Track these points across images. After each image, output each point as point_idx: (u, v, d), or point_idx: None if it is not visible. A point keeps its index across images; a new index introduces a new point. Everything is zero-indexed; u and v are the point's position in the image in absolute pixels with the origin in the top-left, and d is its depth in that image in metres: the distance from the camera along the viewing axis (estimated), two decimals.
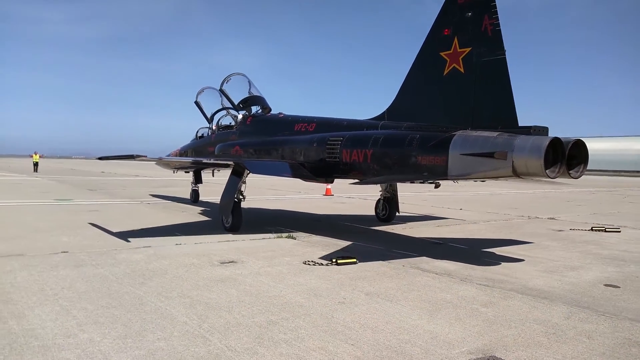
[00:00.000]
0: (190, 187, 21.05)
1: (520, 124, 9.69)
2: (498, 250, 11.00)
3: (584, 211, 21.34)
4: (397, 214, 16.07)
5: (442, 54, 10.90)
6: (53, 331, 5.21)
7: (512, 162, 9.08)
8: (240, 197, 13.36)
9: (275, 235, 12.32)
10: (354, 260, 9.18)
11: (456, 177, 10.29)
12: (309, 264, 8.92)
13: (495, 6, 10.01)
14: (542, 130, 9.72)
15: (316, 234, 12.76)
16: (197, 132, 19.28)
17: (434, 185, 14.06)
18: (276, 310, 6.18)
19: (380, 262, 9.39)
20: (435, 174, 10.44)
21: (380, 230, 13.87)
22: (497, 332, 5.61)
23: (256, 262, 9.02)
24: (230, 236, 11.99)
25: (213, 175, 15.92)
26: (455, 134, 10.10)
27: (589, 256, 10.56)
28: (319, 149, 13.11)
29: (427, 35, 11.38)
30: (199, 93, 18.55)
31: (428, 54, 11.34)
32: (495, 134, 9.66)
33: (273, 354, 4.80)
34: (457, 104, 10.60)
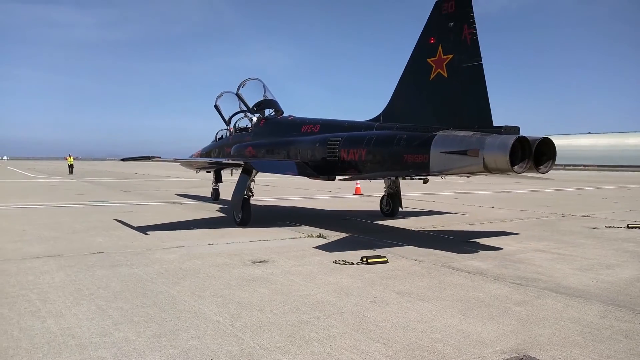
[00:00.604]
0: (212, 186, 22.20)
1: (511, 125, 10.53)
2: (531, 249, 10.79)
3: (619, 208, 20.74)
4: (400, 209, 16.97)
5: (428, 60, 11.80)
6: (90, 330, 5.36)
7: (483, 158, 9.95)
8: (250, 194, 14.57)
9: (305, 234, 12.37)
10: (385, 259, 9.15)
11: (437, 173, 11.28)
12: (339, 263, 8.93)
13: (473, 17, 10.90)
14: (513, 130, 10.48)
15: (347, 233, 12.76)
16: (217, 134, 20.49)
17: (422, 181, 15.76)
18: (307, 309, 6.20)
19: (412, 261, 9.33)
20: (419, 170, 11.38)
21: (411, 230, 13.76)
22: (531, 331, 5.50)
23: (287, 262, 9.08)
24: (261, 236, 12.09)
25: (232, 175, 16.73)
26: (436, 134, 11.06)
27: (625, 254, 10.26)
28: (321, 148, 14.10)
29: (416, 43, 12.24)
30: (218, 97, 19.65)
31: (417, 60, 12.24)
32: (470, 133, 10.55)
33: (305, 353, 4.82)
34: (441, 106, 11.51)
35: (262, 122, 18.01)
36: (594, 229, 13.94)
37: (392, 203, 16.90)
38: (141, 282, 7.43)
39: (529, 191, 32.48)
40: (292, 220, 15.41)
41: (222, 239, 11.64)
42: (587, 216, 17.27)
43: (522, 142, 9.95)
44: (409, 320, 5.85)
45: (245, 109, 18.53)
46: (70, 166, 57.18)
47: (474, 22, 10.90)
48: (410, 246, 10.93)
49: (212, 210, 17.92)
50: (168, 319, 5.74)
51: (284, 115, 18.07)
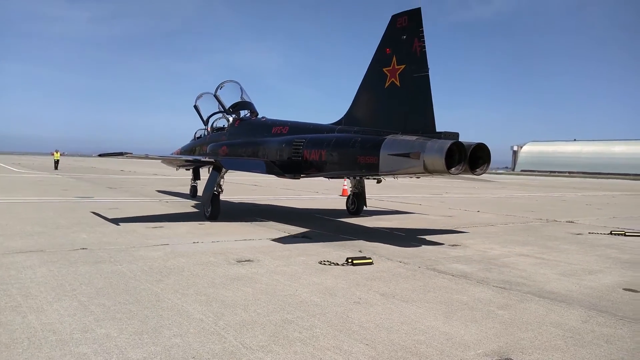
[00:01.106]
0: (190, 183, 23.00)
1: (452, 130, 11.49)
2: (515, 253, 10.89)
3: (604, 215, 21.03)
4: (364, 207, 18.12)
5: (384, 69, 12.72)
6: (71, 326, 5.29)
7: (423, 161, 10.93)
8: (219, 190, 15.62)
9: (291, 234, 12.35)
10: (370, 260, 9.17)
11: (386, 174, 12.41)
12: (324, 264, 8.93)
13: (422, 31, 11.82)
14: (453, 135, 11.36)
15: (332, 233, 12.78)
16: (196, 133, 21.27)
17: (376, 181, 17.21)
18: (291, 309, 6.19)
19: (397, 263, 9.37)
20: (370, 170, 12.43)
21: (396, 233, 13.81)
22: (514, 334, 5.55)
23: (272, 261, 9.05)
24: (246, 235, 12.06)
25: (209, 172, 17.24)
26: (386, 138, 12.04)
27: (608, 260, 10.39)
28: (287, 149, 15.01)
29: (374, 53, 13.16)
30: (197, 98, 20.41)
31: (374, 69, 13.16)
32: (415, 137, 11.50)
33: (288, 352, 4.81)
34: (394, 112, 12.51)
35: (237, 122, 18.86)
36: (578, 235, 14.10)
37: (357, 202, 17.98)
38: (124, 279, 7.36)
39: (514, 196, 32.77)
40: (277, 219, 15.38)
41: (207, 237, 11.58)
42: (571, 222, 17.47)
43: (459, 146, 10.93)
44: (393, 321, 5.86)
45: (222, 109, 19.34)
46: (56, 162, 56.56)
47: (423, 36, 11.83)
48: (394, 248, 10.97)
49: (196, 209, 17.81)
50: (151, 317, 5.69)
51: (258, 116, 18.92)
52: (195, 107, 20.46)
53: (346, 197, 18.55)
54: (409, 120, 12.02)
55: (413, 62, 11.95)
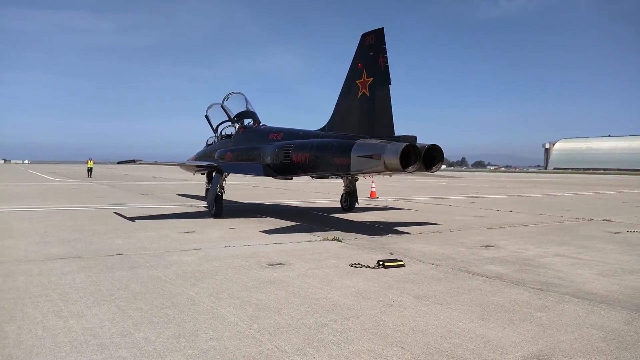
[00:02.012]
0: (205, 186, 23.89)
1: (409, 135, 13.11)
2: (551, 253, 10.64)
3: None
4: (356, 204, 20.00)
5: (357, 81, 14.58)
6: (110, 330, 5.41)
7: (384, 161, 12.65)
8: (222, 190, 17.41)
9: (321, 237, 12.37)
10: (402, 263, 9.10)
11: (356, 173, 14.50)
12: (355, 267, 8.91)
13: (385, 49, 13.69)
14: (410, 138, 12.97)
15: (363, 236, 12.74)
16: (207, 140, 23.26)
17: (353, 179, 19.06)
18: (324, 312, 6.19)
19: (429, 265, 9.28)
20: (343, 170, 14.34)
21: (427, 233, 13.66)
22: (553, 337, 5.42)
23: (303, 265, 9.08)
24: (277, 238, 12.12)
25: (213, 176, 18.74)
26: (356, 142, 13.82)
27: None
28: (279, 153, 16.88)
29: (349, 67, 15.05)
30: (208, 108, 22.35)
31: (349, 81, 15.08)
32: (378, 141, 13.24)
33: (323, 356, 4.81)
34: (365, 119, 14.25)
35: (241, 130, 20.86)
36: (616, 234, 13.70)
37: (349, 200, 19.84)
38: (160, 284, 7.49)
39: (547, 195, 32.07)
40: (307, 222, 15.41)
41: (239, 241, 11.70)
42: (609, 220, 16.99)
43: (414, 148, 12.56)
44: (427, 324, 5.80)
45: (228, 118, 21.38)
46: (90, 170, 57.99)
47: (386, 53, 13.69)
48: (426, 250, 10.86)
49: (228, 215, 18.00)
50: (187, 320, 5.78)
51: (260, 124, 20.82)
52: (206, 116, 22.40)
53: (341, 195, 20.38)
54: (376, 126, 13.80)
55: (378, 75, 13.82)
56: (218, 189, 17.16)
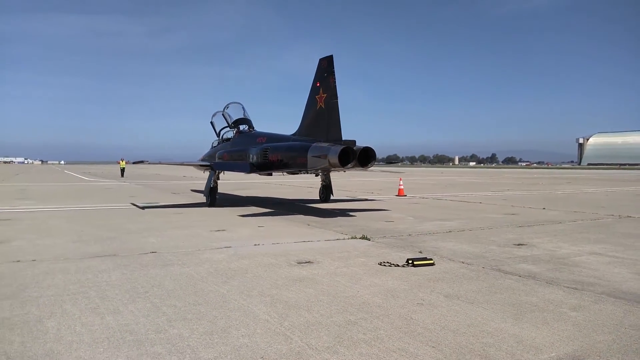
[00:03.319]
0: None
1: (350, 139, 16.72)
2: (586, 252, 10.39)
3: None
4: (331, 196, 23.42)
5: (316, 97, 18.28)
6: (145, 327, 5.55)
7: (328, 160, 16.23)
8: (215, 185, 20.83)
9: (349, 236, 12.37)
10: (432, 261, 9.03)
11: (312, 170, 18.67)
12: (384, 265, 8.88)
13: (334, 71, 17.55)
14: (349, 142, 16.53)
15: (391, 235, 12.69)
16: (213, 142, 26.38)
17: (314, 174, 22.07)
18: (354, 311, 6.21)
19: (460, 263, 9.18)
20: (303, 167, 18.01)
21: (458, 232, 13.52)
22: (589, 337, 5.30)
23: (332, 263, 9.11)
24: (305, 237, 12.19)
25: (223, 174, 23.83)
26: (311, 145, 17.35)
27: None
28: (260, 154, 20.38)
29: (311, 85, 18.62)
30: (213, 115, 25.73)
31: (311, 96, 18.66)
32: (327, 144, 16.80)
33: (353, 354, 4.82)
34: (322, 127, 17.80)
35: (237, 134, 24.23)
36: None
37: (326, 192, 23.20)
38: (192, 281, 7.64)
39: (582, 191, 31.27)
40: (335, 221, 15.44)
41: (267, 239, 11.81)
42: None
43: (352, 149, 16.23)
44: (459, 323, 5.75)
45: (227, 124, 24.62)
46: (122, 170, 59.34)
47: (334, 74, 17.50)
48: (456, 248, 10.75)
49: (258, 213, 18.18)
50: (219, 317, 5.88)
51: (252, 130, 24.17)
52: (211, 122, 25.81)
53: (319, 188, 23.76)
54: (329, 132, 17.33)
55: (330, 92, 17.51)
56: (212, 184, 20.72)
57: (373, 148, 16.52)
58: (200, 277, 7.90)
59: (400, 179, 29.56)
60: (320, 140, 17.31)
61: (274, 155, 19.56)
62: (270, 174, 21.56)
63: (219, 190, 21.91)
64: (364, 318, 5.92)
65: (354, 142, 16.58)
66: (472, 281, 7.82)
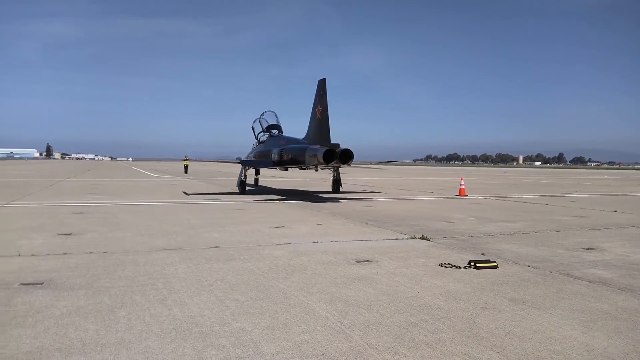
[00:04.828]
0: (254, 177, 32.99)
1: (335, 142, 21.92)
2: None
3: None
4: (340, 189, 27.75)
5: (316, 109, 23.57)
6: (210, 319, 5.73)
7: (317, 158, 21.36)
8: (244, 178, 26.41)
9: (408, 236, 12.23)
10: (495, 264, 8.77)
11: (308, 165, 23.26)
12: (445, 266, 8.72)
13: (326, 92, 22.99)
14: (334, 145, 21.52)
15: (451, 236, 12.43)
16: (253, 144, 31.42)
17: (313, 169, 25.99)
18: (415, 312, 6.14)
19: (525, 267, 8.87)
20: (302, 164, 23.42)
21: (522, 233, 13.04)
22: None
23: (391, 262, 9.04)
24: (363, 235, 12.17)
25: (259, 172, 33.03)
26: (308, 147, 22.75)
27: None
28: (278, 153, 25.52)
29: (314, 100, 23.87)
30: (253, 122, 30.87)
31: (313, 108, 23.91)
32: (319, 146, 21.91)
33: (415, 356, 4.77)
34: (319, 133, 22.91)
35: (268, 137, 29.10)
36: None
37: (335, 185, 27.61)
38: (254, 276, 7.81)
39: None
40: (392, 220, 15.30)
41: (326, 237, 11.87)
42: None
43: (334, 150, 21.15)
44: (524, 329, 5.56)
45: (262, 129, 29.87)
46: (186, 167, 61.46)
47: (326, 94, 22.97)
48: (521, 251, 10.38)
49: (314, 210, 18.32)
50: (280, 313, 5.99)
51: (280, 134, 28.55)
52: (252, 127, 30.92)
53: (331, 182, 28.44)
54: (322, 138, 22.39)
55: (323, 107, 22.82)
56: (242, 178, 26.28)
57: (351, 149, 21.45)
58: (261, 273, 8.08)
59: (462, 179, 28.86)
60: (316, 144, 22.43)
61: (286, 154, 24.80)
62: (286, 169, 27.83)
63: (260, 184, 29.97)
64: (425, 320, 5.84)
65: (337, 145, 21.65)
66: (538, 285, 7.53)
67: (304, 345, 4.97)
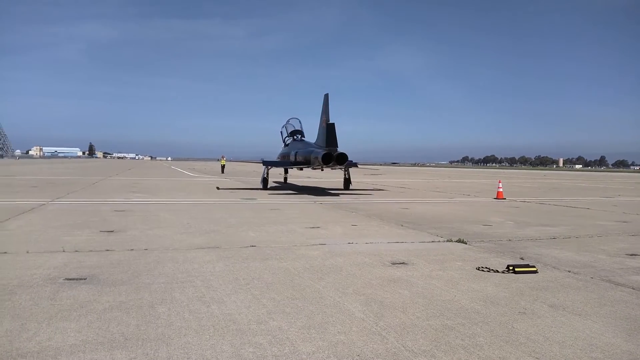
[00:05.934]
0: (283, 175, 38.01)
1: (334, 147, 25.60)
2: None
3: None
4: (350, 187, 31.43)
5: (323, 118, 27.32)
6: (247, 317, 5.84)
7: (318, 160, 25.54)
8: (266, 176, 30.47)
9: (444, 238, 12.11)
10: (535, 269, 8.60)
11: (312, 166, 27.35)
12: (482, 270, 8.60)
13: (328, 104, 27.03)
14: (332, 150, 25.11)
15: (489, 240, 12.24)
16: (282, 147, 35.07)
17: (320, 169, 29.34)
18: (451, 315, 6.09)
19: (565, 272, 8.66)
20: (308, 165, 27.73)
21: (563, 238, 12.71)
22: None
23: (427, 265, 8.98)
24: (399, 237, 12.12)
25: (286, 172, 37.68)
26: (313, 150, 26.89)
27: None
28: (295, 155, 29.62)
29: (321, 111, 27.69)
30: (281, 127, 34.94)
31: (321, 118, 27.81)
32: (320, 150, 26.06)
33: (451, 359, 4.74)
34: (324, 139, 25.90)
35: (292, 141, 32.95)
36: None
37: (346, 183, 31.49)
38: (290, 276, 7.91)
39: None
40: (428, 223, 15.16)
41: (361, 238, 11.88)
42: None
43: (331, 154, 25.00)
44: (564, 335, 5.44)
45: (287, 134, 34.04)
46: (223, 166, 62.44)
47: (327, 105, 26.91)
48: (561, 256, 10.13)
49: (347, 210, 18.33)
50: (315, 312, 6.05)
51: (303, 139, 32.50)
52: (280, 132, 35.09)
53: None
54: (328, 142, 25.36)
55: (326, 117, 26.51)
56: (264, 176, 30.37)
57: (346, 153, 25.27)
58: (296, 272, 8.16)
59: (500, 182, 28.32)
60: (320, 148, 26.49)
61: (300, 156, 28.78)
62: (301, 169, 31.98)
63: (289, 181, 36.85)
64: (461, 324, 5.79)
65: (335, 149, 25.10)
66: (579, 291, 7.35)
67: (339, 346, 5.01)
